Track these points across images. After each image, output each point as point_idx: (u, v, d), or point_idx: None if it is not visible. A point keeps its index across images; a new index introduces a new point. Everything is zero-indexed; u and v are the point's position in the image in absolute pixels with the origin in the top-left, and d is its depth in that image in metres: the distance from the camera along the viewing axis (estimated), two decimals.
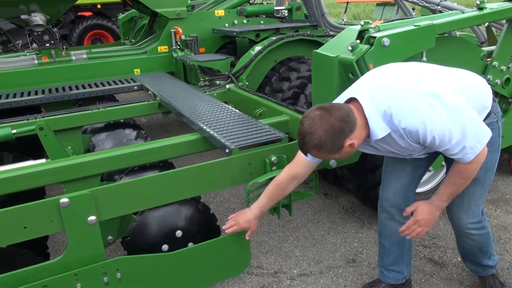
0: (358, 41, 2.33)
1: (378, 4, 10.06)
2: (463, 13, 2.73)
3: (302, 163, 2.10)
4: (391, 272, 2.34)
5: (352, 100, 1.82)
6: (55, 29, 4.56)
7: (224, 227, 2.24)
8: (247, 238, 2.28)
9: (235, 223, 2.22)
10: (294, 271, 2.73)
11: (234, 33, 4.46)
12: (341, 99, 1.91)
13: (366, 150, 1.98)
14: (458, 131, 1.70)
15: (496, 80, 2.92)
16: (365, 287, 2.45)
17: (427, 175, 3.22)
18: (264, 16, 5.30)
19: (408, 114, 1.70)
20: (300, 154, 2.11)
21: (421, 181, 3.21)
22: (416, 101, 1.71)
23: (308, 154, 1.86)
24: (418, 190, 3.13)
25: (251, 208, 2.22)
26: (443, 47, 2.64)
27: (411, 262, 2.39)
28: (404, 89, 1.75)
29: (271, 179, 2.29)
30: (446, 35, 2.73)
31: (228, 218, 2.28)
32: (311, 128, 1.71)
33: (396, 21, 2.57)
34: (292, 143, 2.41)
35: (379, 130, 1.76)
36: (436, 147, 1.75)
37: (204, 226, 2.40)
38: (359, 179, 2.93)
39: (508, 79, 2.96)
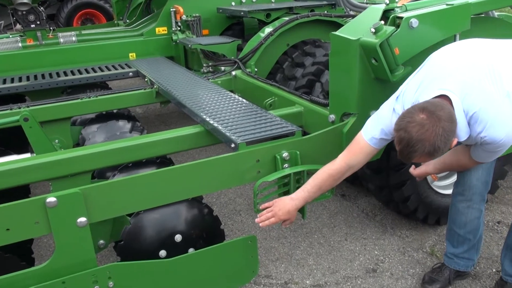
0: (382, 22, 2.31)
1: None
2: None
3: (364, 151, 2.14)
4: (462, 259, 2.54)
5: (441, 96, 1.85)
6: (42, 8, 4.58)
7: (257, 219, 2.18)
8: (284, 226, 2.25)
9: (273, 215, 2.17)
10: (307, 282, 2.73)
11: (242, 13, 4.44)
12: (424, 90, 1.91)
13: None
14: None
15: None
16: (427, 275, 2.62)
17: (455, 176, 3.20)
18: None
19: (495, 125, 1.79)
20: (360, 140, 2.16)
21: (451, 182, 3.20)
22: (506, 112, 1.78)
23: (374, 140, 2.07)
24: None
25: (292, 198, 2.19)
26: (479, 29, 2.61)
27: (480, 248, 2.58)
28: (495, 94, 1.80)
29: (283, 178, 2.29)
30: (482, 15, 2.70)
31: (260, 207, 2.22)
32: (422, 135, 1.74)
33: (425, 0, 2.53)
34: (306, 138, 2.40)
35: (463, 133, 1.85)
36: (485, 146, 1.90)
37: (207, 230, 2.40)
38: (382, 179, 2.91)
39: None
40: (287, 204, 2.18)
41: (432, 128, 1.73)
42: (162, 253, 2.29)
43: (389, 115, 2.05)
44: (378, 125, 2.10)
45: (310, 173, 2.40)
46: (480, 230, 2.50)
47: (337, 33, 2.48)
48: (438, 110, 1.76)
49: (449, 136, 1.76)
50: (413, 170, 2.44)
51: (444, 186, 3.14)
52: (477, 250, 2.56)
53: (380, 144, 2.14)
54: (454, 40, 2.48)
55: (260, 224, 2.18)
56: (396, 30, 2.27)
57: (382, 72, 2.35)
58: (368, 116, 2.49)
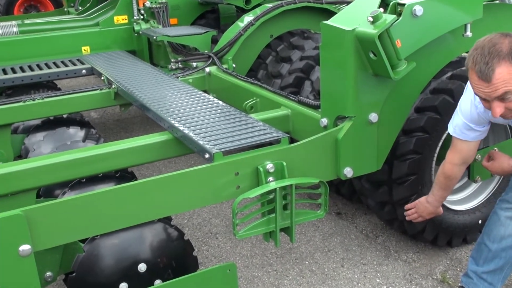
0: (382, 9, 2.34)
1: None
2: None
3: (464, 148, 2.40)
4: (482, 281, 2.54)
5: None
6: None
7: (407, 213, 2.73)
8: (429, 217, 2.70)
9: (419, 216, 2.68)
10: None
11: None
12: None
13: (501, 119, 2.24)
14: None
15: None
16: None
17: (471, 188, 3.25)
18: None
19: None
20: (456, 142, 2.41)
21: (465, 195, 3.25)
22: None
23: (471, 136, 2.33)
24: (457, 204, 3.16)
25: (429, 201, 2.62)
26: (493, 18, 2.66)
27: (508, 276, 2.57)
28: None
29: (267, 194, 2.29)
30: (497, 1, 2.76)
31: (405, 207, 2.75)
32: (495, 41, 1.93)
33: None
34: (294, 146, 2.42)
35: None
36: None
37: (176, 257, 2.39)
38: (383, 194, 2.94)
39: None
40: (427, 207, 2.63)
41: (505, 36, 1.93)
42: (123, 286, 2.27)
43: (471, 106, 2.27)
44: (466, 122, 2.32)
45: (299, 188, 2.41)
46: None
47: (328, 22, 2.50)
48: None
49: None
50: (487, 163, 2.52)
51: (457, 201, 3.19)
52: (503, 277, 2.55)
53: (477, 137, 2.36)
54: (465, 31, 2.53)
55: (408, 218, 2.73)
56: (397, 19, 2.30)
57: (381, 68, 2.38)
58: (366, 120, 2.53)
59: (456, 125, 2.36)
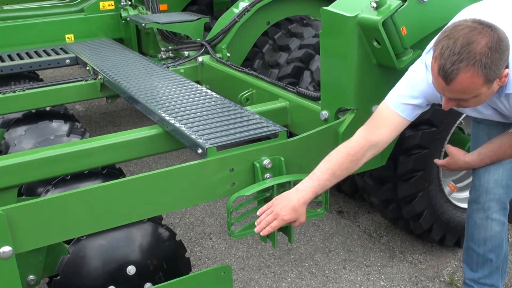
0: None
1: None
2: None
3: (389, 123, 2.16)
4: (483, 286, 2.51)
5: None
6: None
7: (257, 228, 2.15)
8: (295, 226, 2.21)
9: (274, 217, 2.12)
10: None
11: None
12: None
13: (470, 111, 2.19)
14: None
15: None
16: None
17: None
18: None
19: None
20: (383, 109, 2.19)
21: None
22: None
23: (402, 107, 2.09)
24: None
25: (298, 189, 2.16)
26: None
27: (507, 271, 2.57)
28: None
29: (263, 191, 2.30)
30: None
31: (258, 213, 2.18)
32: (473, 37, 1.76)
33: None
34: (292, 140, 2.42)
35: None
36: None
37: (168, 259, 2.39)
38: (387, 191, 2.95)
39: None
40: (291, 199, 2.13)
41: (485, 32, 1.77)
42: None
43: (422, 73, 2.09)
44: (410, 88, 2.13)
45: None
46: (504, 248, 2.49)
47: (329, 8, 2.50)
48: (495, 26, 1.81)
49: (504, 56, 1.79)
50: (441, 161, 2.47)
51: (466, 198, 3.19)
52: (502, 274, 2.57)
53: (411, 114, 2.16)
54: None
55: (262, 232, 2.14)
56: (402, 5, 2.30)
57: (386, 57, 2.39)
58: (369, 112, 2.53)
59: (397, 93, 2.16)
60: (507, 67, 1.87)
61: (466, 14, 2.09)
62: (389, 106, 2.17)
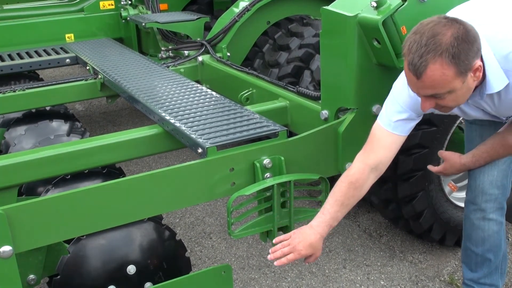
0: None
1: None
2: None
3: (384, 142, 2.16)
4: (483, 286, 2.52)
5: None
6: None
7: (271, 256, 2.12)
8: (306, 263, 2.22)
9: (291, 250, 2.12)
10: None
11: None
12: None
13: (458, 112, 2.17)
14: None
15: None
16: None
17: None
18: None
19: None
20: (376, 130, 2.18)
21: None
22: None
23: (393, 125, 2.09)
24: None
25: (312, 225, 2.16)
26: None
27: (506, 270, 2.57)
28: None
29: (264, 191, 2.30)
30: None
31: (274, 241, 2.18)
32: (438, 29, 1.77)
33: None
34: (292, 139, 2.42)
35: (497, 81, 1.90)
36: None
37: (168, 258, 2.40)
38: (388, 191, 2.95)
39: None
40: (308, 235, 2.13)
41: (451, 25, 1.78)
42: None
43: (401, 86, 2.09)
44: (394, 104, 2.14)
45: (298, 184, 2.42)
46: (502, 248, 2.50)
47: (329, 7, 2.50)
48: (463, 21, 1.81)
49: (472, 46, 1.78)
50: (436, 167, 2.45)
51: None
52: (501, 273, 2.58)
53: (404, 129, 2.15)
54: None
55: (276, 263, 2.12)
56: (402, 4, 2.30)
57: (386, 57, 2.39)
58: (369, 112, 2.53)
59: (386, 112, 2.16)
60: (481, 60, 1.86)
61: (453, 13, 2.09)
62: (381, 126, 2.17)
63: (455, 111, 2.16)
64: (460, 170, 2.42)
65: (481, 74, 1.86)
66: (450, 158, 2.39)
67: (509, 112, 2.11)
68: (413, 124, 2.17)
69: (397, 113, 2.13)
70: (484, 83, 1.93)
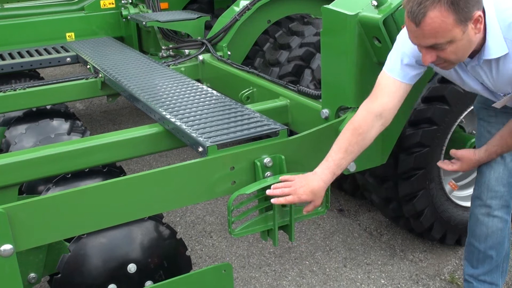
0: None
1: None
2: None
3: (389, 89, 2.15)
4: (482, 283, 2.52)
5: None
6: None
7: (269, 191, 2.15)
8: (305, 212, 2.23)
9: (291, 192, 2.13)
10: None
11: None
12: None
13: (451, 75, 2.17)
14: None
15: None
16: None
17: None
18: None
19: None
20: (381, 77, 2.18)
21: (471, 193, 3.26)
22: None
23: (398, 71, 2.08)
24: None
25: (316, 172, 2.16)
26: None
27: (507, 270, 2.56)
28: None
29: (264, 189, 2.30)
30: None
31: (280, 178, 2.20)
32: None
33: None
34: (293, 138, 2.42)
35: (496, 47, 1.91)
36: None
37: (168, 257, 2.40)
38: (388, 189, 2.95)
39: None
40: (311, 181, 2.13)
41: None
42: None
43: (404, 33, 2.08)
44: (399, 52, 2.14)
45: None
46: (505, 246, 2.50)
47: (330, 6, 2.50)
48: None
49: None
50: (453, 166, 2.44)
51: (467, 197, 3.20)
52: (502, 272, 2.58)
53: (407, 75, 2.14)
54: None
55: (273, 200, 2.14)
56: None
57: (386, 56, 2.38)
58: None
59: (390, 60, 2.18)
60: (484, 20, 1.87)
61: None
62: (385, 73, 2.18)
63: (455, 78, 2.17)
64: (476, 166, 2.42)
65: (482, 26, 1.87)
66: (465, 156, 2.40)
67: (506, 87, 2.08)
68: (417, 72, 2.16)
69: (401, 59, 2.13)
70: (483, 47, 1.94)
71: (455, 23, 1.80)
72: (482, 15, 1.85)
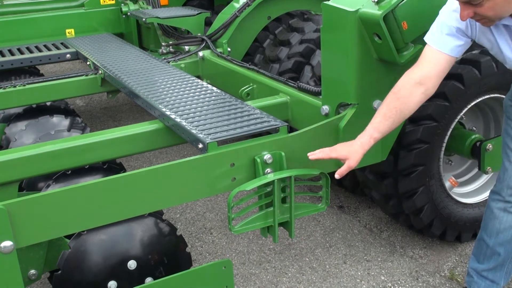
0: None
1: None
2: None
3: (432, 59, 2.17)
4: (483, 279, 2.54)
5: None
6: None
7: (311, 155, 2.26)
8: (338, 176, 2.24)
9: (330, 149, 2.26)
10: None
11: None
12: None
13: (486, 37, 2.13)
14: None
15: None
16: None
17: (482, 180, 3.27)
18: None
19: None
20: (425, 51, 2.20)
21: (475, 188, 3.26)
22: None
23: (440, 43, 2.11)
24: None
25: (357, 137, 2.24)
26: None
27: (511, 274, 2.55)
28: None
29: (264, 186, 2.30)
30: None
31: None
32: None
33: None
34: (293, 135, 2.42)
35: None
36: None
37: (168, 254, 2.40)
38: (388, 186, 2.95)
39: None
40: (350, 142, 2.25)
41: None
42: (112, 284, 2.28)
43: (450, 13, 2.13)
44: (441, 24, 2.16)
45: (299, 180, 2.42)
46: None
47: (330, 3, 2.50)
48: None
49: None
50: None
51: (467, 193, 3.20)
52: (506, 273, 2.58)
53: (450, 47, 2.16)
54: None
55: (311, 156, 2.25)
56: (403, 0, 2.30)
57: (386, 52, 2.38)
58: (370, 107, 2.53)
59: (431, 30, 2.21)
60: None
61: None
62: (429, 44, 2.19)
63: (488, 43, 2.15)
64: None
65: None
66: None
67: None
68: (458, 43, 2.16)
69: (441, 30, 2.15)
70: None
71: None
72: None
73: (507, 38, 2.08)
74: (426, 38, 2.21)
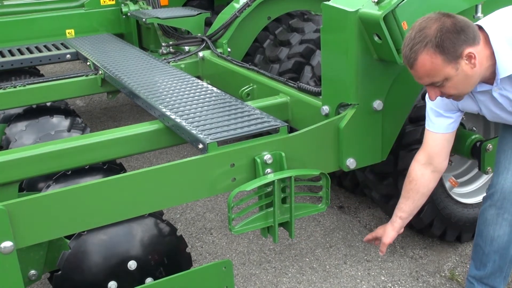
0: None
1: None
2: None
3: (429, 141, 2.36)
4: (484, 286, 2.52)
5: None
6: None
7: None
8: (381, 253, 2.55)
9: (375, 233, 2.56)
10: None
11: None
12: None
13: (470, 106, 2.28)
14: None
15: None
16: None
17: (482, 180, 3.27)
18: None
19: None
20: (425, 134, 2.38)
21: (475, 188, 3.26)
22: None
23: (432, 125, 2.30)
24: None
25: (391, 221, 2.50)
26: None
27: (509, 274, 2.54)
28: None
29: (264, 186, 2.30)
30: None
31: (364, 239, 2.65)
32: (425, 24, 1.95)
33: None
34: (293, 135, 2.42)
35: (508, 62, 2.00)
36: None
37: (168, 254, 2.40)
38: (388, 186, 2.95)
39: None
40: (388, 227, 2.50)
41: (439, 18, 1.94)
42: (112, 285, 2.28)
43: None
44: (427, 108, 2.33)
45: (299, 180, 2.42)
46: (510, 251, 2.45)
47: (330, 3, 2.50)
48: (455, 15, 1.97)
49: (458, 35, 1.92)
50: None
51: (467, 193, 3.20)
52: (505, 278, 2.53)
53: (442, 127, 2.32)
54: (476, 12, 2.53)
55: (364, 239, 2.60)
56: (403, 0, 2.30)
57: (386, 52, 2.38)
58: (370, 107, 2.53)
59: (427, 115, 2.38)
60: (488, 48, 1.99)
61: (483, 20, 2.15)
62: (426, 129, 2.38)
63: (474, 109, 2.29)
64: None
65: (475, 60, 1.96)
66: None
67: None
68: (450, 121, 2.32)
69: (433, 115, 2.33)
70: (497, 69, 2.02)
71: (444, 63, 1.95)
72: (474, 51, 1.95)
73: (489, 101, 2.20)
74: (426, 126, 2.38)
